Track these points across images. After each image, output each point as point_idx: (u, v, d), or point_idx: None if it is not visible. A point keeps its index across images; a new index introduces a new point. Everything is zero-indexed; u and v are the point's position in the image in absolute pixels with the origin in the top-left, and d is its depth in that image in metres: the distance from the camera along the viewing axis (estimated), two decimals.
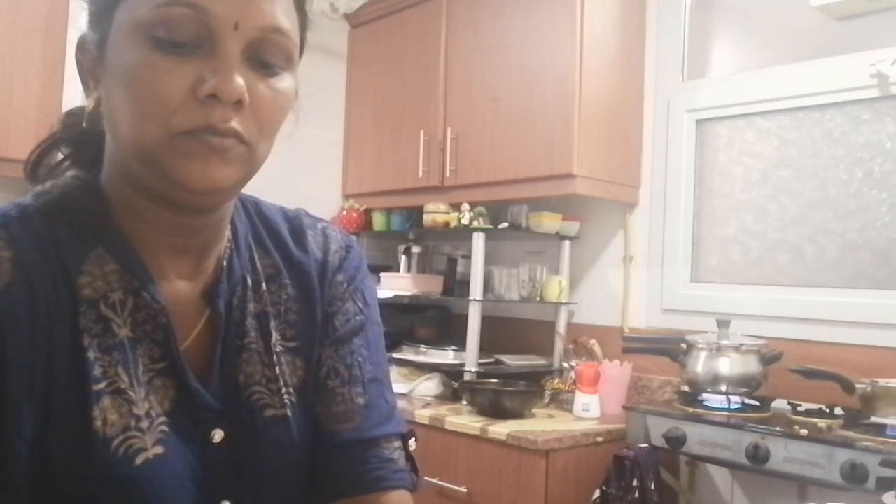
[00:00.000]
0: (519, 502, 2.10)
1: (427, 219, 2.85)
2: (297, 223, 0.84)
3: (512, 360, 2.77)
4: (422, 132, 2.90)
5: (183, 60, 0.62)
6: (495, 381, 2.59)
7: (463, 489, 2.20)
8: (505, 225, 2.73)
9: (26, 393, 0.62)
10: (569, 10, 2.47)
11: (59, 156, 0.77)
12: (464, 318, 2.69)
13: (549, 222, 2.70)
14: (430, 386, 2.69)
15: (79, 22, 2.75)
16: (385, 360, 0.85)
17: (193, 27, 0.62)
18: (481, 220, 2.71)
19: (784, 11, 2.43)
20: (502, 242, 3.06)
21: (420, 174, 2.88)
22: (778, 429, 1.84)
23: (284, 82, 0.68)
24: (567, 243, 2.79)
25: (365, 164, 3.21)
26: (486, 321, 2.70)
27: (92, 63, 0.69)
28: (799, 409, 1.99)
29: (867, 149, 2.20)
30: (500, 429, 2.16)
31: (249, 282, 0.77)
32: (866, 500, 1.58)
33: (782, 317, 2.28)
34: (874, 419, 1.84)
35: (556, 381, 2.65)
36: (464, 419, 2.27)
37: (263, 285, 0.78)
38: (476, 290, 2.67)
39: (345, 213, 3.14)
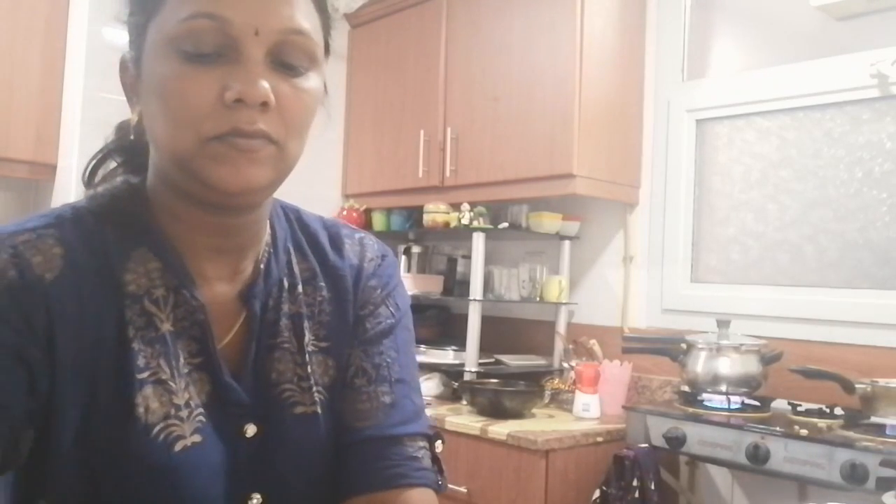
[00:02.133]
0: (519, 502, 2.10)
1: (427, 219, 2.85)
2: (335, 231, 0.87)
3: (512, 360, 2.77)
4: (422, 132, 2.90)
5: (209, 69, 0.66)
6: (495, 381, 2.59)
7: (463, 489, 2.20)
8: (505, 225, 2.73)
9: (73, 381, 0.66)
10: (569, 10, 2.47)
11: (113, 164, 0.81)
12: (464, 318, 2.69)
13: (549, 222, 2.70)
14: (430, 386, 2.69)
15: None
16: (414, 364, 0.87)
17: (216, 37, 0.66)
18: (481, 220, 2.71)
19: (784, 11, 2.43)
20: (502, 242, 3.06)
21: (420, 174, 2.89)
22: (778, 429, 1.84)
23: (309, 81, 0.70)
24: (567, 243, 2.79)
25: (365, 164, 3.21)
26: (486, 321, 2.70)
27: (132, 80, 0.73)
28: (799, 409, 1.99)
29: (867, 149, 2.20)
30: (500, 429, 2.16)
31: (286, 284, 0.80)
32: (866, 500, 1.58)
33: (782, 317, 2.28)
34: (874, 419, 1.84)
35: (556, 381, 2.65)
36: (464, 419, 2.27)
37: (299, 287, 0.81)
38: (476, 290, 2.67)
39: (345, 213, 3.14)
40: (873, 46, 2.17)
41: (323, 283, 0.83)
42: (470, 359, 2.63)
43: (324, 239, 0.85)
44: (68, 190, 2.70)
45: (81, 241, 0.70)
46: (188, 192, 0.71)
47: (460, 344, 2.71)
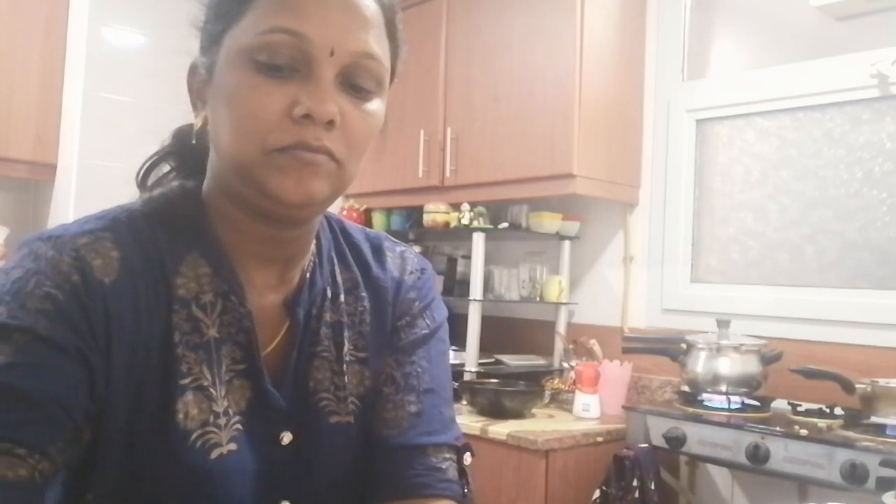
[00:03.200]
0: (519, 502, 2.10)
1: (427, 219, 2.85)
2: (377, 244, 0.89)
3: (512, 360, 2.77)
4: (422, 132, 2.90)
5: (281, 83, 0.67)
6: (495, 381, 2.59)
7: None
8: (505, 225, 2.73)
9: (125, 384, 0.68)
10: (569, 10, 2.47)
11: (167, 167, 0.83)
12: (464, 318, 2.69)
13: (549, 222, 2.70)
14: None
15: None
16: (447, 376, 0.87)
17: (292, 52, 0.67)
18: (481, 220, 2.71)
19: (784, 11, 2.43)
20: (502, 242, 3.06)
21: (420, 174, 2.89)
22: (778, 429, 1.84)
23: (374, 105, 0.73)
24: (567, 243, 2.79)
25: (365, 164, 3.20)
26: (486, 321, 2.70)
27: (201, 85, 0.74)
28: (799, 409, 1.99)
29: (867, 149, 2.20)
30: (500, 429, 2.16)
31: (329, 293, 0.82)
32: (866, 500, 1.58)
33: (782, 317, 2.28)
34: (874, 419, 1.84)
35: (556, 381, 2.65)
36: (464, 419, 2.27)
37: (341, 297, 0.82)
38: (476, 290, 2.67)
39: (345, 213, 3.14)
40: (873, 46, 2.17)
41: (365, 294, 0.84)
42: (470, 359, 2.63)
43: (367, 250, 0.87)
44: (68, 190, 2.70)
45: (136, 245, 0.71)
46: (246, 201, 0.72)
47: (460, 344, 2.70)
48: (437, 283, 0.96)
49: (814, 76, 2.29)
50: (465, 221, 2.72)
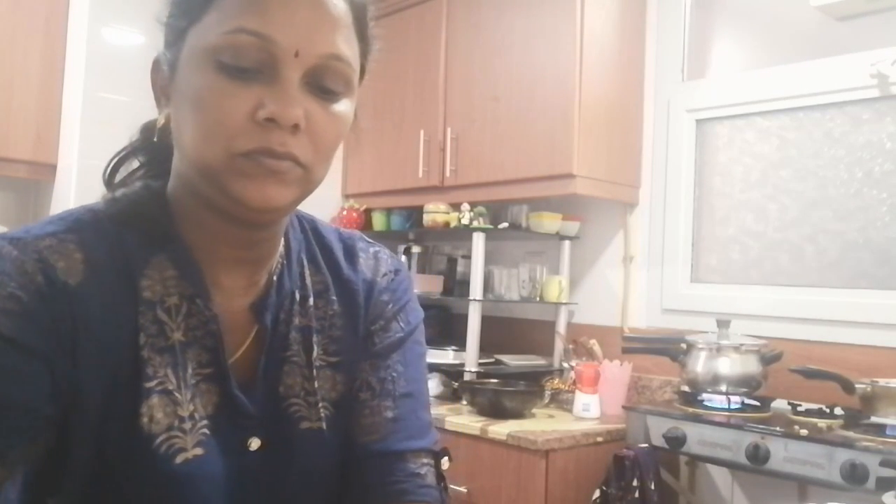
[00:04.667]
0: (519, 502, 2.10)
1: (427, 219, 2.85)
2: (350, 244, 0.87)
3: (512, 360, 2.77)
4: (422, 132, 2.90)
5: (245, 85, 0.66)
6: (495, 381, 2.59)
7: (463, 489, 2.20)
8: (505, 225, 2.73)
9: (92, 387, 0.67)
10: (569, 10, 2.47)
11: (135, 164, 0.81)
12: (464, 318, 2.69)
13: (549, 222, 2.70)
14: (430, 386, 2.68)
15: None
16: (423, 379, 0.86)
17: (257, 54, 0.65)
18: (481, 220, 2.71)
19: (784, 11, 2.43)
20: (502, 242, 3.06)
21: (420, 174, 2.89)
22: (778, 429, 1.84)
23: (342, 106, 0.71)
24: (567, 243, 2.79)
25: (365, 164, 3.21)
26: (486, 321, 2.70)
27: (164, 81, 0.72)
28: (799, 409, 1.99)
29: (867, 149, 2.20)
30: (500, 429, 2.16)
31: (297, 296, 0.80)
32: (866, 500, 1.58)
33: (782, 317, 2.28)
34: (874, 419, 1.84)
35: (556, 381, 2.65)
36: (464, 419, 2.27)
37: (311, 300, 0.80)
38: (476, 290, 2.67)
39: (345, 213, 3.14)
40: (873, 46, 2.17)
41: (335, 297, 0.82)
42: (470, 359, 2.63)
43: (338, 251, 0.85)
44: (68, 190, 2.70)
45: (101, 247, 0.70)
46: (212, 202, 0.70)
47: (460, 344, 2.71)
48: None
49: (814, 76, 2.29)
50: (465, 221, 2.72)
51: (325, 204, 3.20)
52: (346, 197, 3.26)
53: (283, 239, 0.79)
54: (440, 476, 0.82)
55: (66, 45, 2.79)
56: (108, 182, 0.79)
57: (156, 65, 0.74)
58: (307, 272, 0.82)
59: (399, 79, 3.06)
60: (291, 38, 0.66)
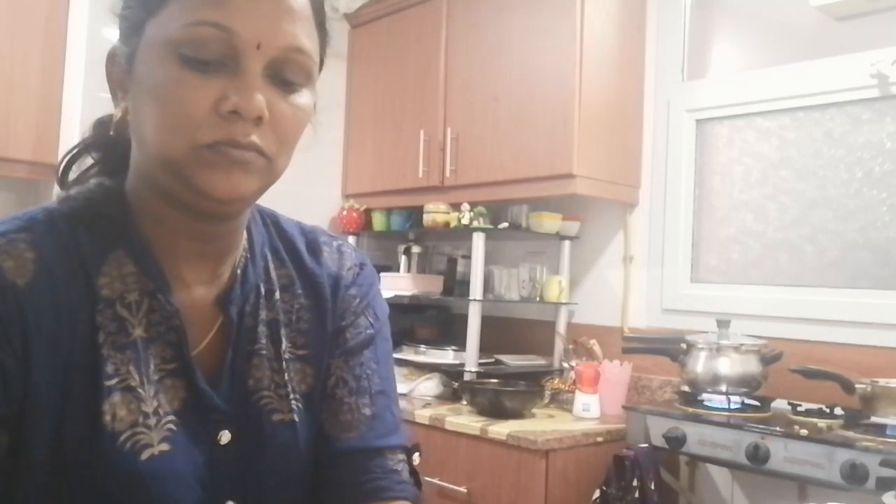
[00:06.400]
0: (519, 502, 2.10)
1: (427, 219, 2.85)
2: (312, 238, 0.87)
3: (512, 360, 2.77)
4: (422, 132, 2.90)
5: (208, 78, 0.66)
6: (495, 381, 2.59)
7: (463, 489, 2.20)
8: (505, 225, 2.73)
9: (47, 387, 0.66)
10: (569, 10, 2.47)
11: (90, 161, 0.80)
12: (464, 318, 2.69)
13: (549, 222, 2.70)
14: (430, 386, 2.69)
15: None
16: (393, 376, 0.87)
17: (219, 46, 0.65)
18: (481, 220, 2.71)
19: (784, 11, 2.43)
20: (502, 242, 3.06)
21: (420, 174, 2.88)
22: (778, 429, 1.84)
23: (303, 98, 0.71)
24: (567, 243, 2.79)
25: (365, 164, 3.21)
26: (486, 321, 2.70)
27: (121, 75, 0.72)
28: (799, 409, 1.99)
29: (867, 149, 2.20)
30: (500, 429, 2.16)
31: (263, 290, 0.80)
32: (866, 500, 1.58)
33: (782, 317, 2.28)
34: (874, 419, 1.84)
35: (556, 381, 2.65)
36: (464, 419, 2.27)
37: (277, 294, 0.81)
38: (476, 290, 2.67)
39: (345, 213, 3.14)
40: (873, 46, 2.17)
41: (301, 291, 0.82)
42: (470, 359, 2.63)
43: (301, 245, 0.85)
44: None
45: (55, 245, 0.69)
46: (173, 196, 0.70)
47: (460, 344, 2.71)
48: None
49: (814, 76, 2.29)
50: (465, 221, 2.72)
51: (325, 204, 3.20)
52: (346, 197, 3.26)
53: (245, 233, 0.80)
54: (413, 471, 0.82)
55: (66, 45, 2.79)
56: (62, 180, 0.79)
57: (111, 57, 0.73)
58: (272, 266, 0.82)
59: (399, 79, 3.06)
60: (253, 30, 0.66)
